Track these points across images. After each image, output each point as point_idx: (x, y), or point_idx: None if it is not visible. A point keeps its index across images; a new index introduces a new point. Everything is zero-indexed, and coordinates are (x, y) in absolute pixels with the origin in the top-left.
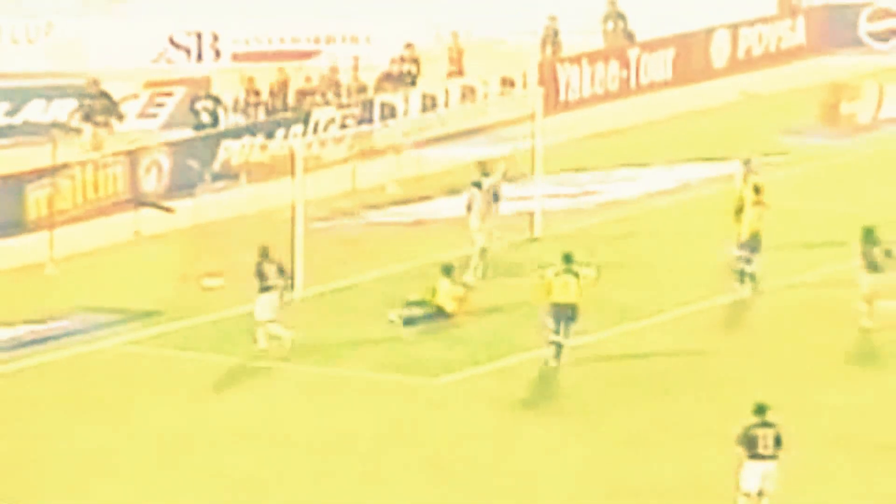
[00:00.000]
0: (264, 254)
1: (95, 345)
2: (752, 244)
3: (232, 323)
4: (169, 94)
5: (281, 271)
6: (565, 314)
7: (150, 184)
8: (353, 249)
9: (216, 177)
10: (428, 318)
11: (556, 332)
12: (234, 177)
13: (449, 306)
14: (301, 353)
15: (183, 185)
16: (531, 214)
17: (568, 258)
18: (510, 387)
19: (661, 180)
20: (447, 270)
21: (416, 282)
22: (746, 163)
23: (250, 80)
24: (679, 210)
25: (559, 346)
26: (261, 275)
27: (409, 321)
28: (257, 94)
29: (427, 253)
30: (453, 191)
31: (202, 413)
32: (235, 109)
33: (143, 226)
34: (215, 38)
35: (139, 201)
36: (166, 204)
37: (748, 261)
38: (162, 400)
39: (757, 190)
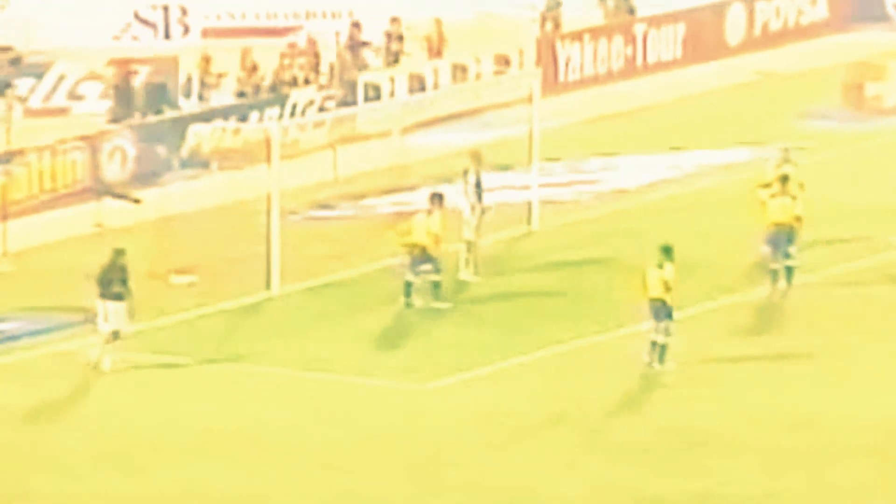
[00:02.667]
0: (118, 257)
1: (53, 347)
2: (782, 238)
3: (204, 323)
4: (134, 74)
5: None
6: (660, 312)
7: (113, 171)
8: (334, 243)
9: (185, 164)
10: (424, 265)
11: (656, 329)
12: (204, 164)
13: (424, 240)
14: (278, 355)
15: (149, 172)
16: (528, 205)
17: (666, 250)
18: (505, 393)
19: (669, 168)
20: (436, 198)
21: (402, 278)
22: (785, 151)
23: (206, 59)
24: (690, 201)
25: (654, 345)
26: (107, 280)
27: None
28: (212, 76)
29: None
30: (442, 179)
31: (171, 421)
32: (188, 93)
33: (105, 218)
34: (184, 12)
35: (101, 191)
36: (131, 194)
37: (776, 256)
38: (126, 406)
39: (784, 179)
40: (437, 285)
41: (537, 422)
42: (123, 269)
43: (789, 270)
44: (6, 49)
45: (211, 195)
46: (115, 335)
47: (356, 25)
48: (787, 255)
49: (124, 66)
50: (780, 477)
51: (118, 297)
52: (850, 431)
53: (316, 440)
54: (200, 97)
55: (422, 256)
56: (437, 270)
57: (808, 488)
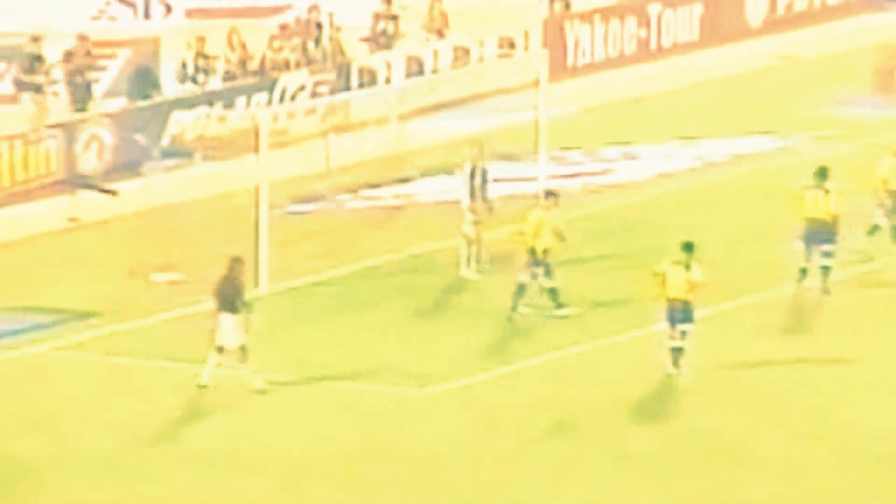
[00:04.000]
0: (235, 266)
1: (23, 350)
2: (815, 235)
3: (186, 325)
4: (112, 57)
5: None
6: (679, 313)
7: (90, 162)
8: (327, 239)
9: (167, 154)
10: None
11: (673, 335)
12: (187, 154)
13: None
14: (266, 358)
15: (128, 163)
16: (535, 198)
17: (688, 247)
18: (509, 399)
19: (686, 159)
20: (550, 196)
21: (400, 276)
22: None
23: (200, 40)
24: (709, 193)
25: (676, 351)
26: (225, 292)
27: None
28: (206, 58)
29: (412, 242)
30: (443, 170)
31: (152, 430)
32: (184, 78)
33: (81, 211)
34: None
35: (76, 183)
36: (108, 186)
37: (807, 254)
38: (103, 415)
39: (822, 173)
40: (554, 291)
41: (543, 430)
42: (240, 279)
43: (825, 270)
44: (36, 38)
45: (194, 187)
46: (244, 350)
47: (314, 9)
48: (827, 254)
49: (83, 45)
50: (807, 489)
51: (236, 309)
52: (883, 440)
53: (306, 449)
54: (195, 81)
55: (536, 258)
56: (549, 274)
57: (839, 502)
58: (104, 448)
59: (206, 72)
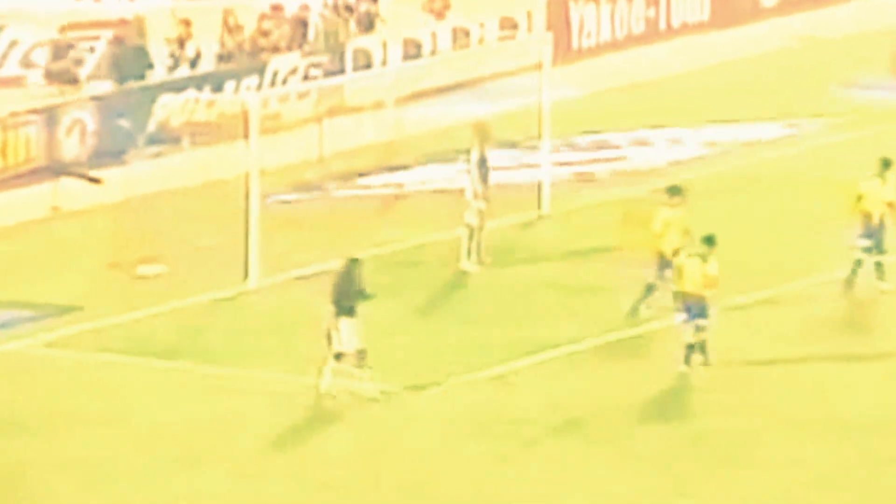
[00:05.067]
0: (353, 266)
1: (1, 347)
2: (868, 228)
3: (171, 320)
4: (95, 39)
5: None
6: (694, 308)
7: (72, 148)
8: (320, 229)
9: (152, 140)
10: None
11: (686, 327)
12: (174, 140)
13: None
14: (256, 356)
15: (112, 149)
16: (538, 186)
17: (710, 240)
18: (510, 399)
19: (695, 144)
20: (675, 192)
21: (398, 269)
22: None
23: (185, 22)
24: (720, 181)
25: (690, 348)
26: (341, 293)
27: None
28: (181, 42)
29: (410, 233)
30: (442, 158)
31: (135, 430)
32: (174, 65)
33: (62, 200)
34: None
35: (58, 170)
36: (91, 173)
37: (868, 250)
38: (83, 414)
39: (886, 164)
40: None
41: (547, 431)
42: (358, 280)
43: (856, 264)
44: (64, 28)
45: (182, 175)
46: (362, 356)
47: None
48: (867, 249)
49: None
50: (820, 490)
51: (351, 311)
52: None
53: (298, 451)
54: (174, 68)
55: (664, 259)
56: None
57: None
58: (88, 448)
59: (178, 59)
